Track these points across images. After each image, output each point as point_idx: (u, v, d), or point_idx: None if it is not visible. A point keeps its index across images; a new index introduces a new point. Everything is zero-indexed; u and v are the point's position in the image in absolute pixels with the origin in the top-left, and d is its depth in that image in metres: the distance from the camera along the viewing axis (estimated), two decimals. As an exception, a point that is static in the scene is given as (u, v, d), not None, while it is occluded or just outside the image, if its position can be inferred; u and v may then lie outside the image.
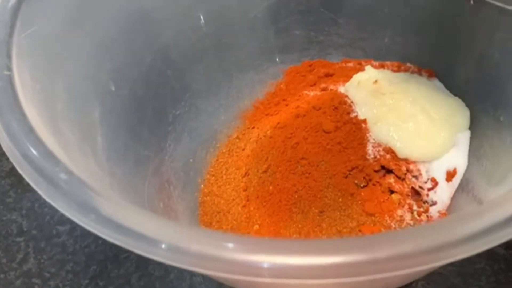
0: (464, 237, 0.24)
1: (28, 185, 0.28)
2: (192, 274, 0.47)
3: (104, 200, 0.27)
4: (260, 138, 0.53)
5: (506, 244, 0.40)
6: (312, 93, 0.55)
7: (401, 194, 0.46)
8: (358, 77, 0.54)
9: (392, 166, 0.47)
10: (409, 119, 0.48)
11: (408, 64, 0.56)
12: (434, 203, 0.46)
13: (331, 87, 0.55)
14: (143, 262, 0.47)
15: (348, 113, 0.50)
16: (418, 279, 0.45)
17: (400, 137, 0.47)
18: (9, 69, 0.33)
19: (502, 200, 0.26)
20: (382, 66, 0.57)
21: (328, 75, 0.58)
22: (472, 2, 0.42)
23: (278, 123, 0.52)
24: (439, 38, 0.53)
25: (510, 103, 0.45)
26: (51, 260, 0.48)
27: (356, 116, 0.50)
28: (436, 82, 0.54)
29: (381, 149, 0.47)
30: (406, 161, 0.47)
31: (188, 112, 0.53)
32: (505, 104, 0.45)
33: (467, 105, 0.50)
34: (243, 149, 0.54)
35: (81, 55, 0.41)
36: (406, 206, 0.46)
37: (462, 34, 0.50)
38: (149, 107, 0.48)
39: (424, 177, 0.47)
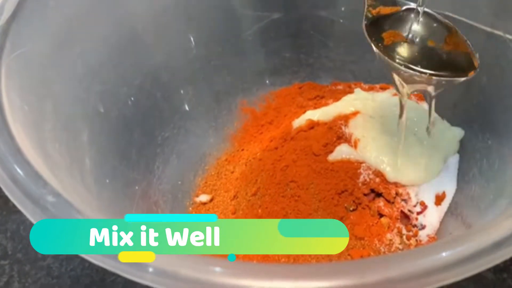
0: (452, 262, 0.24)
1: (14, 206, 0.27)
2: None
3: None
4: (249, 161, 0.52)
5: (494, 268, 0.40)
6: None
7: (391, 217, 0.46)
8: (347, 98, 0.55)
9: (381, 190, 0.46)
10: (399, 143, 0.48)
11: (397, 87, 0.56)
12: (423, 227, 0.46)
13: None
14: (130, 286, 0.46)
15: (338, 136, 0.50)
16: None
17: (390, 161, 0.47)
18: (-3, 89, 0.33)
19: (489, 225, 0.26)
20: (371, 89, 0.57)
21: (318, 97, 0.58)
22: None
23: (268, 145, 0.52)
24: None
25: (497, 127, 0.45)
26: (35, 284, 0.47)
27: (346, 139, 0.50)
28: (425, 105, 0.54)
29: (370, 172, 0.47)
30: (396, 184, 0.47)
31: (177, 134, 0.53)
32: (493, 128, 0.45)
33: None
34: (232, 172, 0.54)
35: (70, 77, 0.41)
36: (395, 230, 0.45)
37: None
38: (138, 129, 0.48)
39: (414, 200, 0.47)
